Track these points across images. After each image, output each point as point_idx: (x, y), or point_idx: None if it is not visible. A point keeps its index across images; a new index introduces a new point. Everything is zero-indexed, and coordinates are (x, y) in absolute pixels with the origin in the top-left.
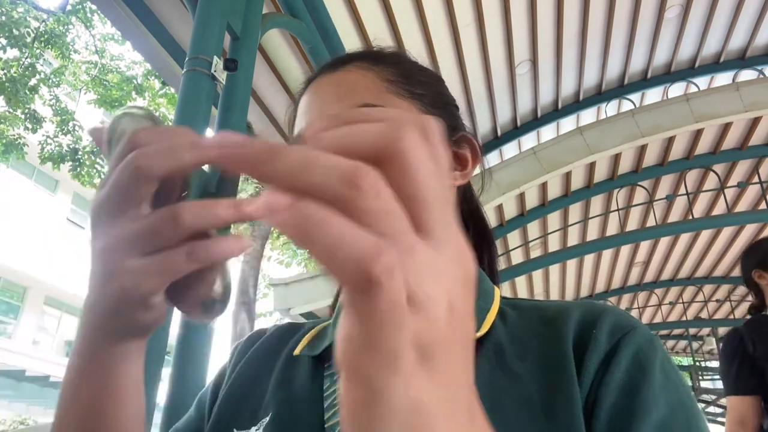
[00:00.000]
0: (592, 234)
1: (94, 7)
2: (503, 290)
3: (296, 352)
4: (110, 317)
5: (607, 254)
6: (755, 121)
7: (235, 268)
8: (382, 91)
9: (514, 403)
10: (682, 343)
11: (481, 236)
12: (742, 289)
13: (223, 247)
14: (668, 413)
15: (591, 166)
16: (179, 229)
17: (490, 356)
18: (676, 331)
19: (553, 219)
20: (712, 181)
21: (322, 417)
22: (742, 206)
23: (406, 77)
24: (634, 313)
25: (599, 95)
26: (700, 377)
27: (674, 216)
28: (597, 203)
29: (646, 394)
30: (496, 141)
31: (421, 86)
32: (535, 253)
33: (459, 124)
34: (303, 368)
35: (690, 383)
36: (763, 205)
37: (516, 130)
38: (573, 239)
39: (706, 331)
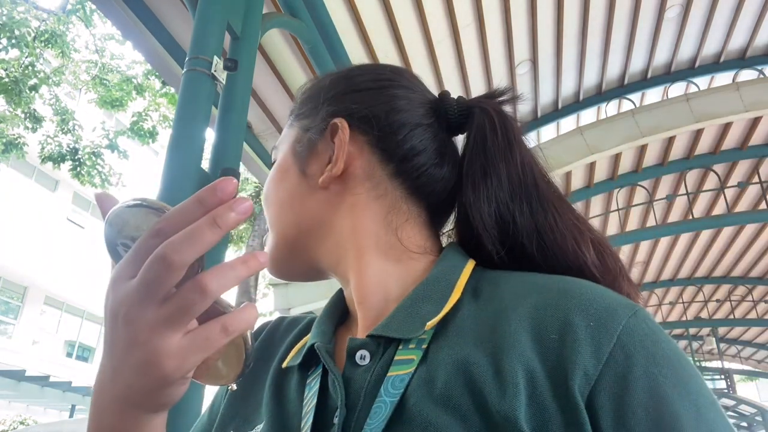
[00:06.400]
0: None
1: (94, 6)
2: None
3: (284, 365)
4: (147, 397)
5: None
6: (755, 121)
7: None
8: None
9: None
10: (682, 343)
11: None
12: (742, 289)
13: (248, 316)
14: None
15: (591, 166)
16: (208, 299)
17: (449, 339)
18: (676, 331)
19: None
20: (712, 181)
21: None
22: (742, 206)
23: (300, 103)
24: None
25: (599, 95)
26: None
27: (674, 216)
28: (597, 203)
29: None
30: None
31: (301, 104)
32: None
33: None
34: (293, 376)
35: None
36: (763, 205)
37: None
38: None
39: (706, 331)
